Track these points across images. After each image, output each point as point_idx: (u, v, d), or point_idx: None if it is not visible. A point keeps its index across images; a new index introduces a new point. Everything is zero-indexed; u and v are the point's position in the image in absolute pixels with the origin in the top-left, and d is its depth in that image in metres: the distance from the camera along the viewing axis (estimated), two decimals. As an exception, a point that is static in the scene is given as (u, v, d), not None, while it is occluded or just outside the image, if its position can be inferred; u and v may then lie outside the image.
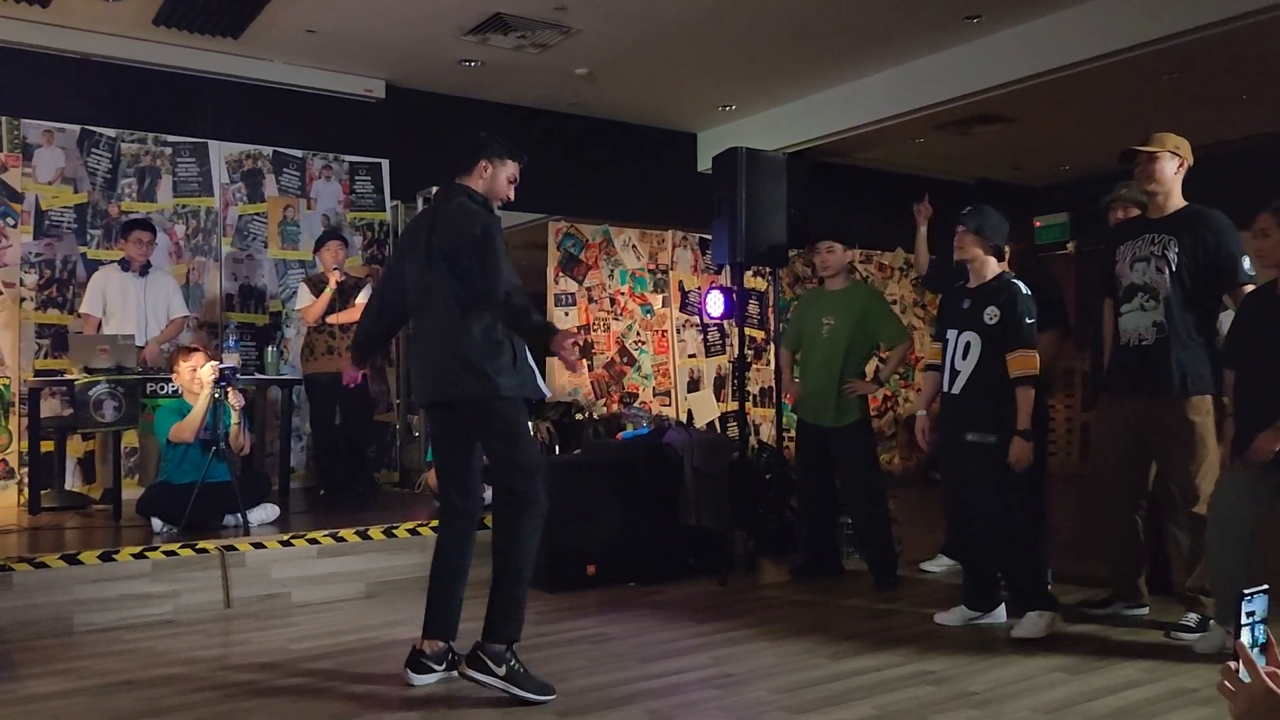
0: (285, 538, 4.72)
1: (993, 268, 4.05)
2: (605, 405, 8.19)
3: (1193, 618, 3.89)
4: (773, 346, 8.88)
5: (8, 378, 6.23)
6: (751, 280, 8.73)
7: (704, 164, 9.20)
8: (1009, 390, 3.91)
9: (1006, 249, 4.12)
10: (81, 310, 5.98)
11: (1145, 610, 4.21)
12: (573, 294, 8.29)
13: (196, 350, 5.13)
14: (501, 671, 3.20)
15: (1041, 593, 3.98)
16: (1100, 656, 3.63)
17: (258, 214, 7.11)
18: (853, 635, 3.96)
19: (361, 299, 6.24)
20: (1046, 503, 4.76)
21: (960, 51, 7.14)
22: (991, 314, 3.95)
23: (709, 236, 8.25)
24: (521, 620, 3.33)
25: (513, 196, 3.50)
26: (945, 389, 4.13)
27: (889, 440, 9.76)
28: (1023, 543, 4.00)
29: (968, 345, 4.01)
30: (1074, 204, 9.93)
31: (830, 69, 7.62)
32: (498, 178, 3.44)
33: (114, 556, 4.34)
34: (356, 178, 7.53)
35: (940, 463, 4.30)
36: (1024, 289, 3.97)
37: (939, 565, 5.23)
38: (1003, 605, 4.14)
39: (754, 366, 9.05)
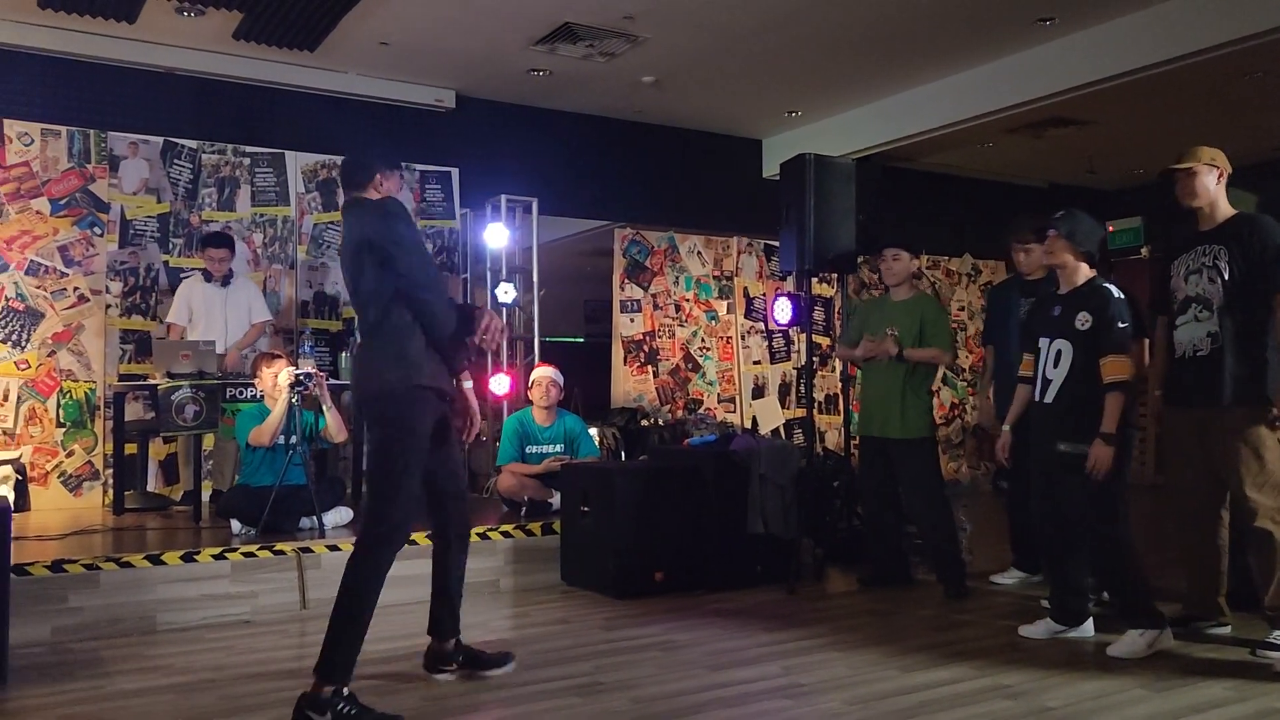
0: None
1: (1084, 273, 3.98)
2: (670, 411, 8.20)
3: (1279, 636, 3.77)
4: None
5: (93, 382, 6.45)
6: (817, 286, 8.68)
7: (769, 170, 9.18)
8: (1103, 398, 3.82)
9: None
10: (168, 319, 6.21)
11: (1228, 629, 4.08)
12: (638, 300, 8.32)
13: (279, 357, 5.26)
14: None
15: (1146, 609, 3.83)
16: (1183, 674, 3.53)
17: (332, 222, 7.27)
18: (925, 647, 3.91)
19: None
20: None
21: (1033, 54, 7.02)
22: (1084, 319, 3.87)
23: (774, 243, 8.25)
24: (336, 663, 3.03)
25: None
26: (1036, 398, 4.05)
27: (956, 448, 9.62)
28: (1125, 556, 3.88)
29: (1059, 353, 3.94)
30: (1148, 208, 9.71)
31: (899, 73, 7.55)
32: (393, 193, 3.42)
33: (195, 557, 4.47)
34: (427, 186, 7.65)
35: (1031, 474, 4.15)
36: (1116, 293, 3.90)
37: (1010, 578, 5.14)
38: (1090, 620, 4.05)
39: (820, 373, 8.99)
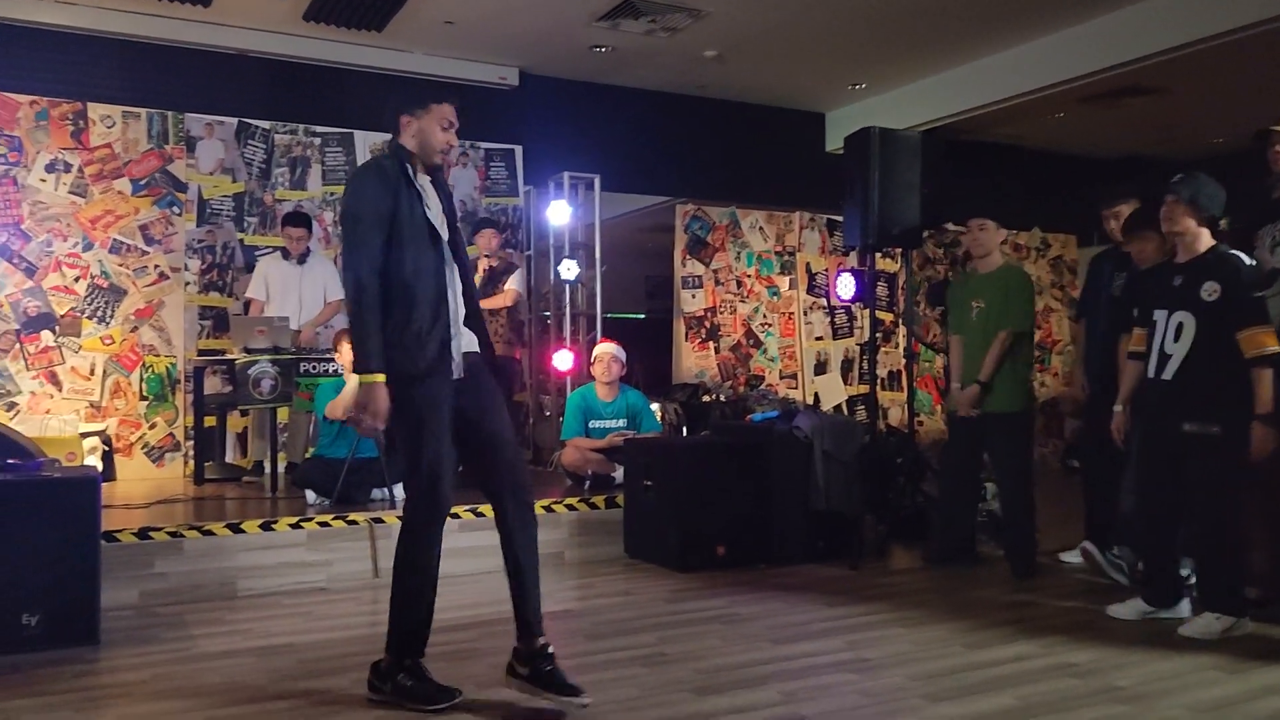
0: (429, 512, 4.91)
1: (1205, 240, 3.73)
2: (732, 387, 8.21)
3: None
4: (902, 329, 8.74)
5: (174, 357, 6.67)
6: (881, 262, 8.59)
7: (832, 144, 9.10)
8: (1232, 374, 3.61)
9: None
10: (247, 295, 6.39)
11: (1309, 610, 3.99)
12: (699, 276, 8.32)
13: (357, 333, 5.36)
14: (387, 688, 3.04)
15: (1233, 595, 3.71)
16: (1260, 656, 3.46)
17: (399, 201, 7.38)
18: (990, 624, 3.89)
19: (509, 284, 6.43)
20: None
21: (1106, 20, 6.85)
22: (1211, 290, 3.63)
23: (837, 218, 8.19)
24: (397, 637, 3.06)
25: (455, 142, 3.13)
26: (1152, 375, 3.82)
27: (1024, 426, 9.48)
28: (1233, 539, 3.72)
29: (1180, 326, 3.71)
30: (1228, 178, 9.42)
31: (967, 43, 7.42)
32: (428, 129, 3.04)
33: (273, 526, 4.62)
34: (491, 164, 7.73)
35: (1138, 453, 3.99)
36: (1247, 260, 3.68)
37: (1077, 557, 5.09)
38: (1186, 601, 3.93)
39: (882, 349, 8.92)
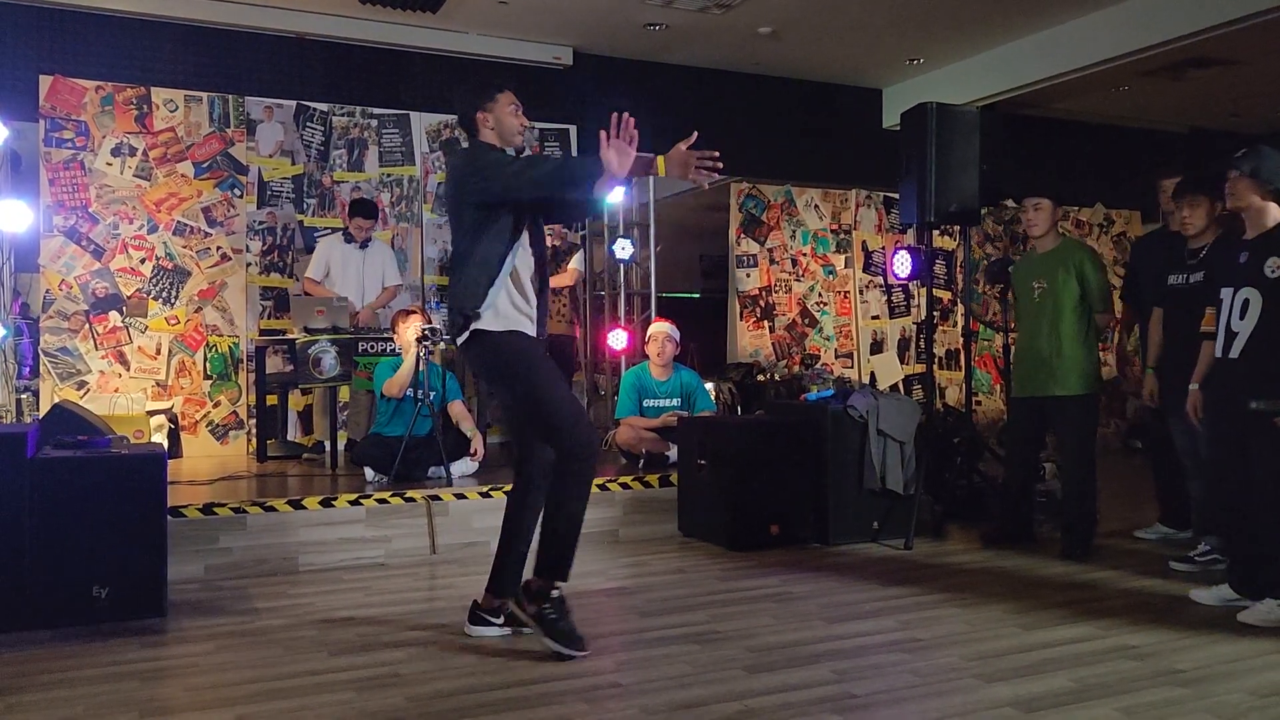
0: (484, 489, 4.98)
1: (1273, 214, 3.63)
2: (786, 367, 8.17)
3: None
4: (960, 308, 8.62)
5: (236, 337, 6.82)
6: (939, 239, 8.47)
7: (889, 120, 8.98)
8: None
9: None
10: (308, 275, 6.47)
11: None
12: (754, 255, 8.28)
13: (415, 313, 5.45)
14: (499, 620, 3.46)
15: None
16: (1325, 641, 3.38)
17: (454, 181, 7.45)
18: (1048, 605, 3.84)
19: (572, 264, 6.45)
20: None
21: (1175, -10, 6.66)
22: (1274, 265, 3.54)
23: (894, 195, 8.08)
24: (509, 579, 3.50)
25: (526, 122, 3.43)
26: (1220, 353, 3.75)
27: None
28: None
29: (1246, 303, 3.62)
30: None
31: (1027, 15, 7.25)
32: (502, 117, 3.37)
33: (333, 503, 4.72)
34: (546, 144, 7.76)
35: (1208, 434, 3.89)
36: None
37: (1154, 533, 5.02)
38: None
39: (940, 328, 8.80)
